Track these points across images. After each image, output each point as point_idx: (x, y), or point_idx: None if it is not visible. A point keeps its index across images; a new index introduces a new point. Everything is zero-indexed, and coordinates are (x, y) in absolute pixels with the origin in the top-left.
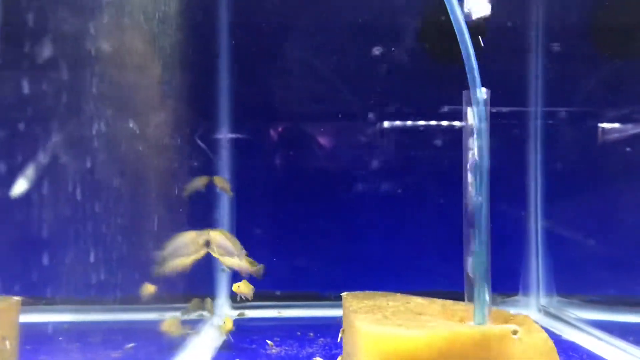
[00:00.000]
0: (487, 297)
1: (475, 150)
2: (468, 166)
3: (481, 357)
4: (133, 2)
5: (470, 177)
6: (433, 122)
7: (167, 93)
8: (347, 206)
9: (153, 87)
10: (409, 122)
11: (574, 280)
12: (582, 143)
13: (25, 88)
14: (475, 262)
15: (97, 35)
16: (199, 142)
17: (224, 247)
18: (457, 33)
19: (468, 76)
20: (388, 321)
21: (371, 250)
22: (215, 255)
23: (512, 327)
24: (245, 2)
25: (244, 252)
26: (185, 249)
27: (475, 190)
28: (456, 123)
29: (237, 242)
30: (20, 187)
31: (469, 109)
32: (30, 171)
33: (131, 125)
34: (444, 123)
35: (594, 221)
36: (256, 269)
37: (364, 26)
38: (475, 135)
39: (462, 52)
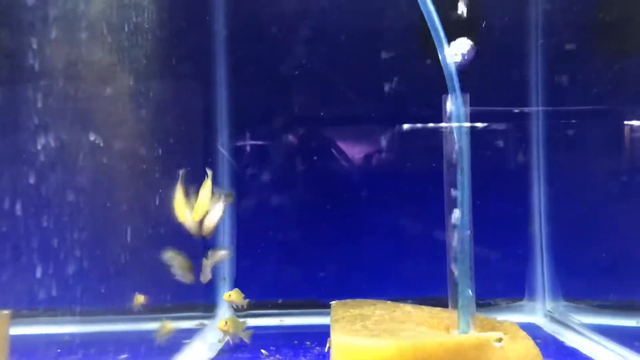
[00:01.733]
0: (469, 305)
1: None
2: (446, 168)
3: None
4: (126, 15)
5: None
6: (441, 125)
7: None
8: (350, 213)
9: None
10: (415, 126)
11: (581, 285)
12: (586, 143)
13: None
14: (459, 268)
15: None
16: (220, 148)
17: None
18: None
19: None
20: (365, 331)
21: (375, 257)
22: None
23: (496, 334)
24: (243, 7)
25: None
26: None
27: (457, 190)
28: (478, 124)
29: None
30: None
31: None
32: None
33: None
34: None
35: (601, 224)
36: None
37: (365, 29)
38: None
39: (439, 53)
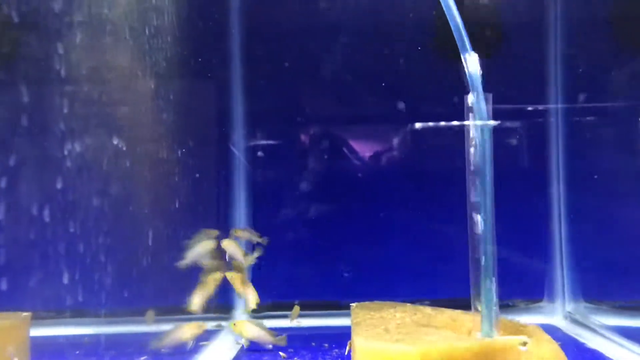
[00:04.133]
0: (493, 308)
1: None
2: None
3: None
4: (143, 17)
5: (472, 181)
6: (457, 123)
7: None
8: (367, 213)
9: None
10: (431, 123)
11: (602, 286)
12: (607, 141)
13: None
14: (483, 271)
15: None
16: (233, 148)
17: (234, 254)
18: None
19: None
20: (387, 335)
21: (392, 258)
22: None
23: (521, 338)
24: (258, 7)
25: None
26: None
27: (476, 193)
28: (491, 122)
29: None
30: None
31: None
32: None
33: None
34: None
35: (621, 224)
36: (277, 339)
37: (380, 26)
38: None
39: (462, 55)
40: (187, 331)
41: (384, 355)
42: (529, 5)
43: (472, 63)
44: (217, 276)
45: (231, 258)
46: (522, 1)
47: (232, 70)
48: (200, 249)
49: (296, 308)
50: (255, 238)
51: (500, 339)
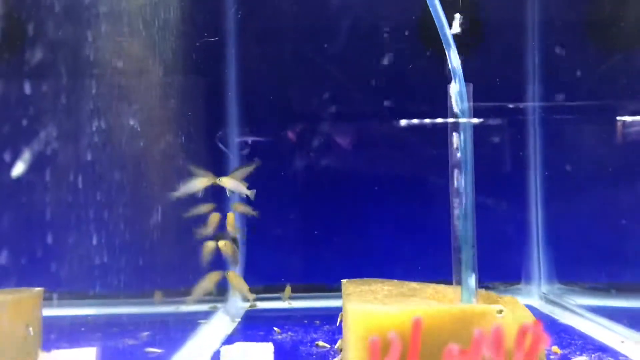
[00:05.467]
0: (472, 280)
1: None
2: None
3: (460, 331)
4: (143, 12)
5: (455, 171)
6: (440, 119)
7: (177, 99)
8: (355, 202)
9: (164, 93)
10: (416, 120)
11: (574, 269)
12: (581, 135)
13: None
14: (463, 249)
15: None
16: (219, 143)
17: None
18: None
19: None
20: (376, 301)
21: (378, 244)
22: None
23: (497, 307)
24: (253, 5)
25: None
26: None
27: (459, 182)
28: (474, 120)
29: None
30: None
31: (452, 101)
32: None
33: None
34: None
35: (593, 212)
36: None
37: (373, 26)
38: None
39: (445, 49)
40: (209, 280)
41: (373, 315)
42: (508, 7)
43: (454, 58)
44: (215, 277)
45: (233, 192)
46: (502, 3)
47: (227, 67)
48: (195, 182)
49: (288, 288)
50: (251, 212)
51: (479, 306)
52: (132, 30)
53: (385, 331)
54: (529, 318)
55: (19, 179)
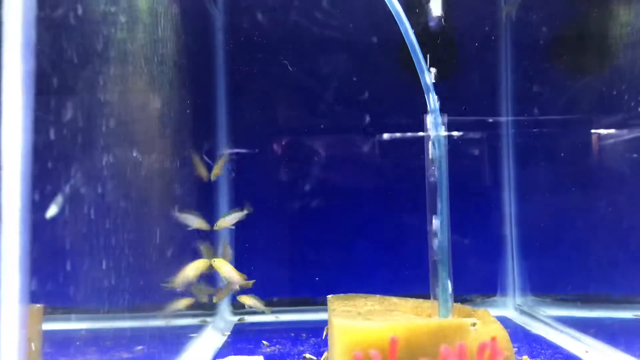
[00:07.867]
0: (449, 295)
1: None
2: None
3: (437, 344)
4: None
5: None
6: (422, 133)
7: (166, 118)
8: (340, 216)
9: (153, 115)
10: (400, 134)
11: (545, 282)
12: (553, 150)
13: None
14: (440, 265)
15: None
16: (205, 158)
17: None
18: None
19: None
20: (360, 317)
21: (363, 259)
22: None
23: (471, 320)
24: (240, 20)
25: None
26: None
27: (434, 198)
28: (454, 133)
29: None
30: (52, 211)
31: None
32: (59, 198)
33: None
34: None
35: (564, 228)
36: (246, 282)
37: (360, 41)
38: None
39: (415, 63)
40: (193, 269)
41: (357, 330)
42: (481, 22)
43: (429, 80)
44: (200, 264)
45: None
46: (475, 25)
47: (217, 84)
48: (190, 267)
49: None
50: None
51: (454, 320)
52: (119, 52)
53: (368, 344)
54: (498, 330)
55: None
